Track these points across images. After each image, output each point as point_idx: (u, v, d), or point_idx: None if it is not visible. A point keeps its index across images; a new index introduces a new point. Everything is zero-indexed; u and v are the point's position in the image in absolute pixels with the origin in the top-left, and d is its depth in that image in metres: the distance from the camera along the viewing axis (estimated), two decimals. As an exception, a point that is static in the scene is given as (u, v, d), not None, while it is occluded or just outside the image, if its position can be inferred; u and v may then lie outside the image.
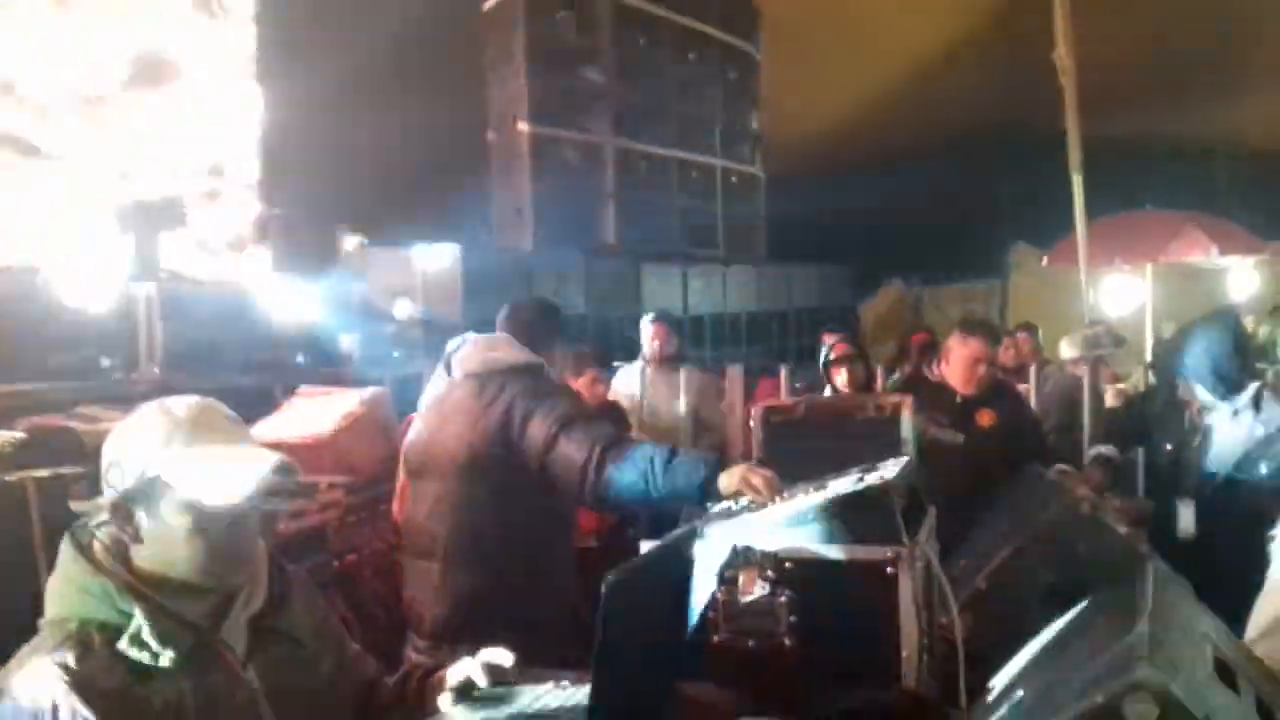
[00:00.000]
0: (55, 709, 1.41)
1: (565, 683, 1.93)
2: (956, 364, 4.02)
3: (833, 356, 5.73)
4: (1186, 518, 3.56)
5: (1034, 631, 1.73)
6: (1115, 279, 10.49)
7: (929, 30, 12.16)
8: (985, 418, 3.95)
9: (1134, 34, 10.54)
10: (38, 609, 1.56)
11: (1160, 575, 1.52)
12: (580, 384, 4.72)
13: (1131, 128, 11.81)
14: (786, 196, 13.45)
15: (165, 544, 1.55)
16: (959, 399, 3.99)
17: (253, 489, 1.53)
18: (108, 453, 1.57)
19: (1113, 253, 10.16)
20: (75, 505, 1.61)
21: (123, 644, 1.48)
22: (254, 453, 1.59)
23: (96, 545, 1.57)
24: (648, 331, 5.80)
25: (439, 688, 1.83)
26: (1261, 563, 3.27)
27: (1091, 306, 7.06)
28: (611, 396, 5.54)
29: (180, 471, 1.53)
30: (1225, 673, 1.22)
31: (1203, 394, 3.69)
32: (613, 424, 4.64)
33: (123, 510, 1.54)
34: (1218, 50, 10.81)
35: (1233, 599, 2.06)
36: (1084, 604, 1.72)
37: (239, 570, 1.62)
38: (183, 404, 1.59)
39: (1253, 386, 3.62)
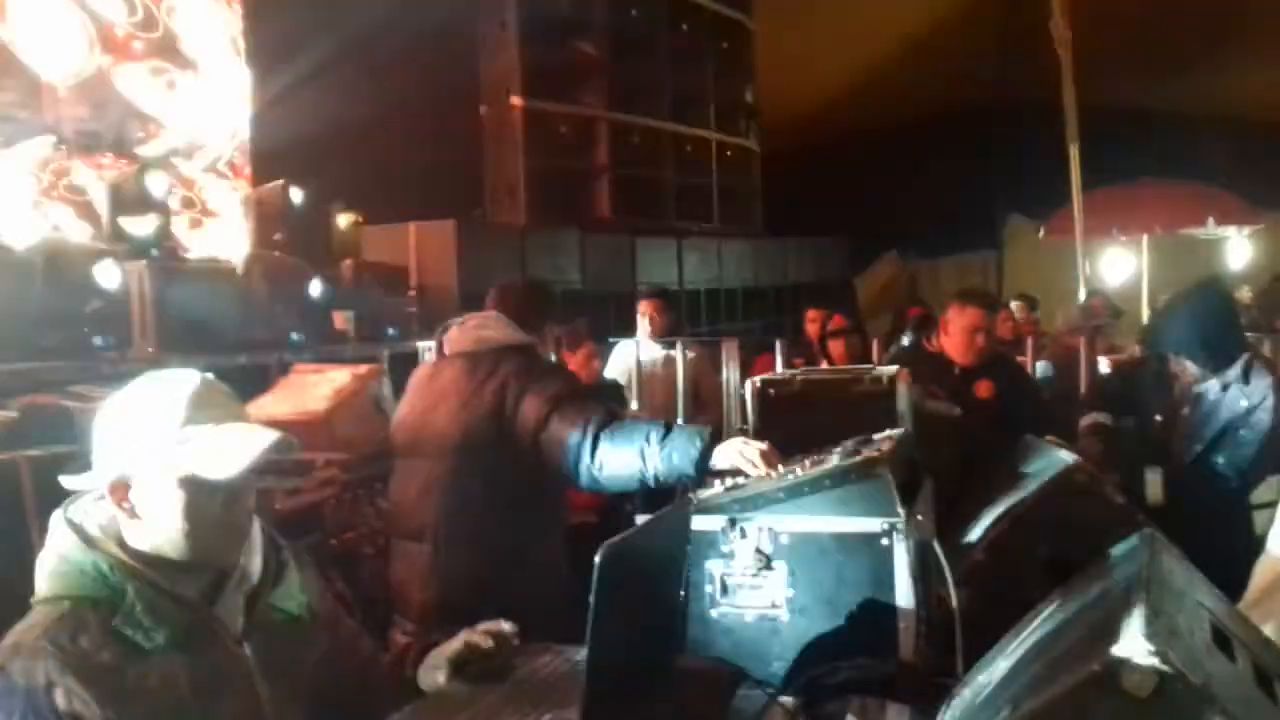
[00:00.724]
0: (50, 687, 1.40)
1: (563, 652, 1.94)
2: (955, 334, 4.01)
3: (830, 330, 5.73)
4: (1155, 485, 3.57)
5: (1032, 602, 1.73)
6: (1112, 250, 10.49)
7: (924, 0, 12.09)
8: (984, 389, 3.95)
9: (1131, 3, 10.47)
10: (31, 588, 1.55)
11: (1156, 544, 1.52)
12: (575, 360, 4.71)
13: (1128, 98, 11.75)
14: (782, 169, 13.36)
15: (162, 520, 1.54)
16: (958, 370, 3.98)
17: (252, 464, 1.53)
18: (102, 428, 1.57)
19: (1109, 224, 10.16)
20: (67, 481, 1.60)
21: (117, 622, 1.47)
22: (253, 428, 1.59)
23: (89, 522, 1.56)
24: (641, 308, 5.81)
25: (435, 662, 1.83)
26: (1234, 533, 3.31)
27: (1088, 278, 7.07)
28: (609, 373, 5.53)
29: (180, 447, 1.52)
30: (1222, 641, 1.22)
31: (1192, 366, 3.68)
32: (611, 401, 4.64)
33: (120, 487, 1.54)
34: (1216, 20, 10.75)
35: (1204, 570, 2.07)
36: (1081, 573, 1.72)
37: (236, 546, 1.62)
38: (180, 379, 1.59)
39: (1242, 358, 3.61)
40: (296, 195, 6.26)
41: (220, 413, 1.58)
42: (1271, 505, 3.50)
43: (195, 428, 1.54)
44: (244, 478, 1.55)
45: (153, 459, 1.52)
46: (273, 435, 1.58)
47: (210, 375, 1.63)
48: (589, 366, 4.83)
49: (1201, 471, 3.58)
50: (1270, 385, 3.54)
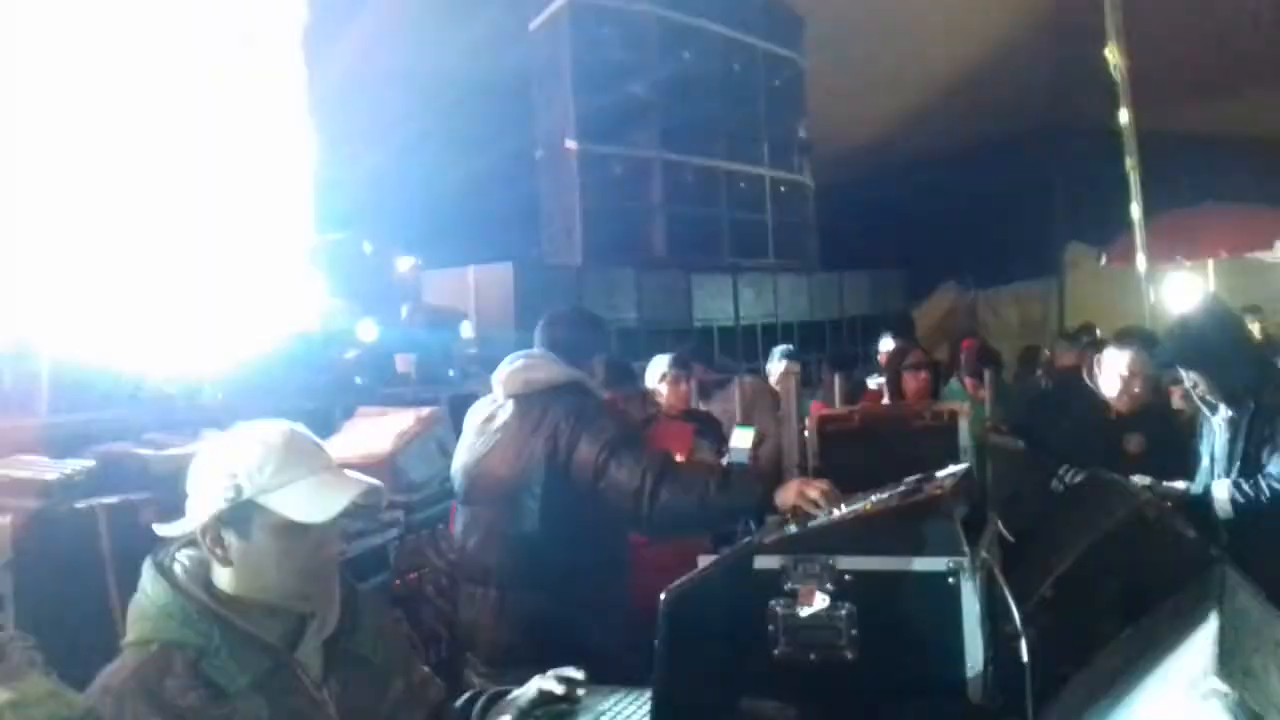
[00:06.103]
0: None
1: (631, 694, 1.94)
2: (1108, 376, 3.79)
3: (907, 363, 5.63)
4: (1221, 496, 3.37)
5: (1103, 641, 1.70)
6: (1177, 276, 10.27)
7: (977, 29, 12.02)
8: (1133, 444, 3.72)
9: (1188, 24, 10.33)
10: (110, 633, 1.60)
11: (1231, 580, 1.49)
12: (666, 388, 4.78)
13: (1188, 121, 11.56)
14: (836, 203, 13.32)
15: (256, 566, 1.58)
16: (1111, 416, 3.78)
17: (344, 510, 1.58)
18: (198, 476, 1.61)
19: (1173, 250, 9.96)
20: (160, 529, 1.65)
21: (202, 665, 1.51)
22: (343, 475, 1.66)
23: (178, 568, 1.61)
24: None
25: (506, 710, 1.84)
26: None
27: (1152, 305, 6.91)
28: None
29: (278, 494, 1.57)
30: (1302, 681, 1.19)
31: (1190, 382, 3.50)
32: (706, 436, 4.66)
33: (213, 532, 1.58)
34: (1275, 39, 10.55)
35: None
36: (1153, 611, 1.69)
37: (323, 590, 1.65)
38: (275, 430, 1.64)
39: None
40: (360, 243, 6.42)
41: (311, 460, 1.64)
42: None
43: (288, 474, 1.59)
44: (334, 523, 1.60)
45: (246, 505, 1.57)
46: (364, 482, 1.63)
47: (299, 425, 1.69)
48: (676, 391, 4.89)
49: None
50: None
